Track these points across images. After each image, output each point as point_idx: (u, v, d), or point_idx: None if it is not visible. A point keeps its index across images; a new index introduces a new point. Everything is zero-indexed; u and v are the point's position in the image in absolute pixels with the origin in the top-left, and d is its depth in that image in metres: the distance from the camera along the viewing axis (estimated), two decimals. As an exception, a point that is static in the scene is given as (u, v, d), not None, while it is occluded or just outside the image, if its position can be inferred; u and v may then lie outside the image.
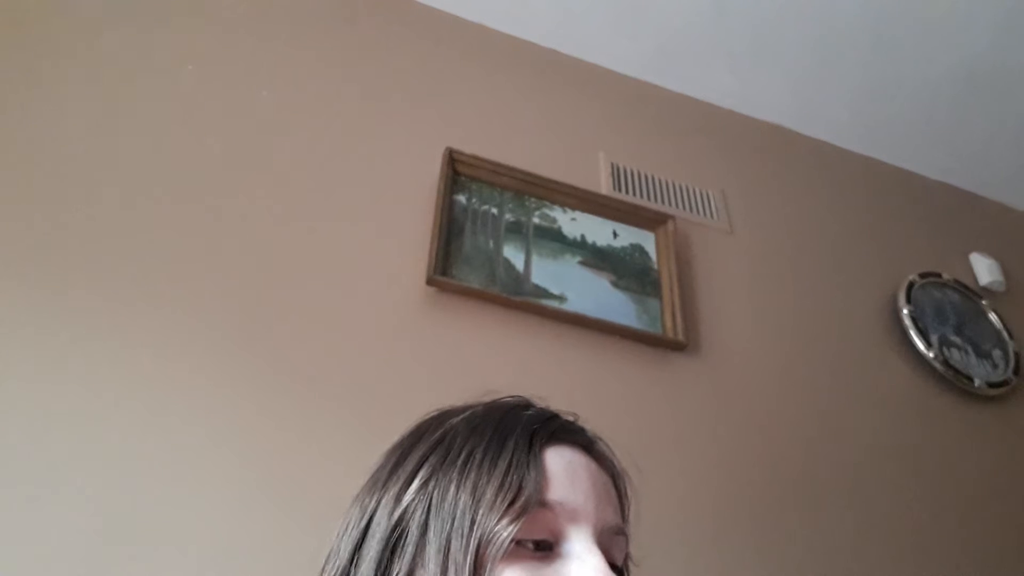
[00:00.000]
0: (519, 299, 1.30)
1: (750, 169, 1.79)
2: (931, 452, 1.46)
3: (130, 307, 1.09)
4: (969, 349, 1.64)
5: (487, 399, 0.61)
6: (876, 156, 1.99)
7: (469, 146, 1.44)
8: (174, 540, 0.93)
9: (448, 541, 0.48)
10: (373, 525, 0.53)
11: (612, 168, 1.61)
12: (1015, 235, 2.02)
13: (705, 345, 1.42)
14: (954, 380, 1.57)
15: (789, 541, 1.25)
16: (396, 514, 0.52)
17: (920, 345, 1.58)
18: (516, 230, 1.42)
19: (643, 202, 1.57)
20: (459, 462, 0.53)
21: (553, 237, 1.44)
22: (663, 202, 1.60)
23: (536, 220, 1.45)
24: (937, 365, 1.57)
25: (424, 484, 0.53)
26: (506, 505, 0.49)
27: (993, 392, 1.58)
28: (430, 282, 1.24)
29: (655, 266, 1.49)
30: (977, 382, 1.58)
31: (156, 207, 1.19)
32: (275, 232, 1.24)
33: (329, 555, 0.56)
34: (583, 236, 1.47)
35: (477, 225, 1.39)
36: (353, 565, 0.53)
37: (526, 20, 1.74)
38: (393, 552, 0.51)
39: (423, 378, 1.17)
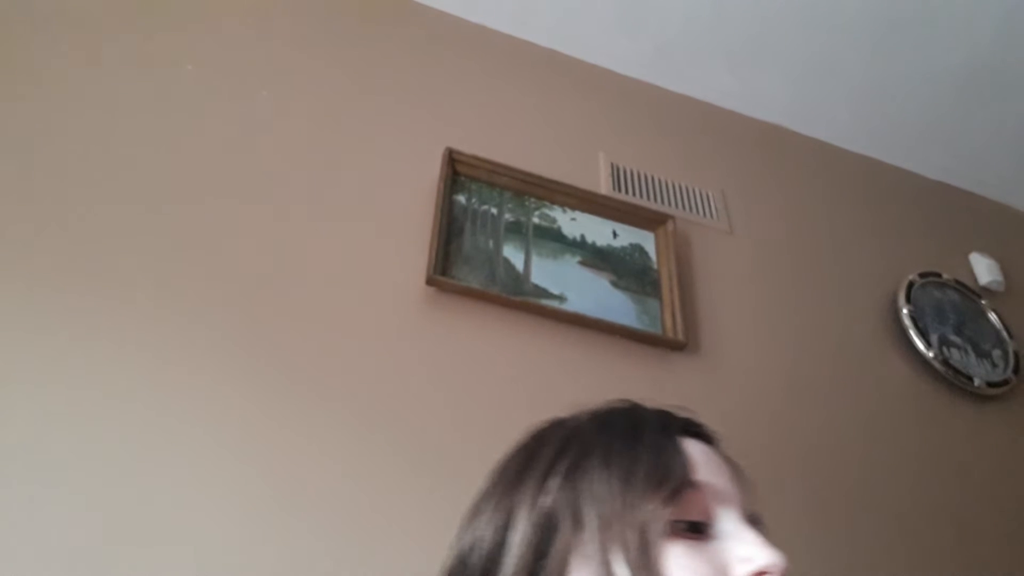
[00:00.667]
0: (519, 299, 1.30)
1: (750, 169, 1.79)
2: (931, 451, 1.46)
3: (130, 306, 1.09)
4: (969, 349, 1.65)
5: (595, 406, 0.61)
6: (876, 156, 1.99)
7: (469, 146, 1.44)
8: (174, 540, 0.93)
9: (607, 524, 0.48)
10: (514, 522, 0.52)
11: (612, 168, 1.61)
12: (1015, 235, 2.02)
13: (705, 345, 1.42)
14: (954, 380, 1.57)
15: (789, 541, 1.24)
16: (543, 505, 0.51)
17: (920, 345, 1.59)
18: (516, 230, 1.42)
19: (643, 202, 1.57)
20: (599, 451, 0.53)
21: (553, 237, 1.44)
22: (663, 202, 1.61)
23: (536, 220, 1.45)
24: (937, 365, 1.57)
25: (568, 475, 0.52)
26: (658, 487, 0.49)
27: (993, 392, 1.59)
28: (430, 282, 1.25)
29: (655, 266, 1.49)
30: (977, 382, 1.58)
31: (155, 207, 1.19)
32: (275, 232, 1.24)
33: (459, 557, 0.55)
34: (583, 236, 1.47)
35: (477, 225, 1.39)
36: (499, 558, 0.52)
37: (526, 20, 1.75)
38: (544, 542, 0.50)
39: (423, 378, 1.18)
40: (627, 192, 1.58)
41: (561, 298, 1.35)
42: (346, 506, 1.03)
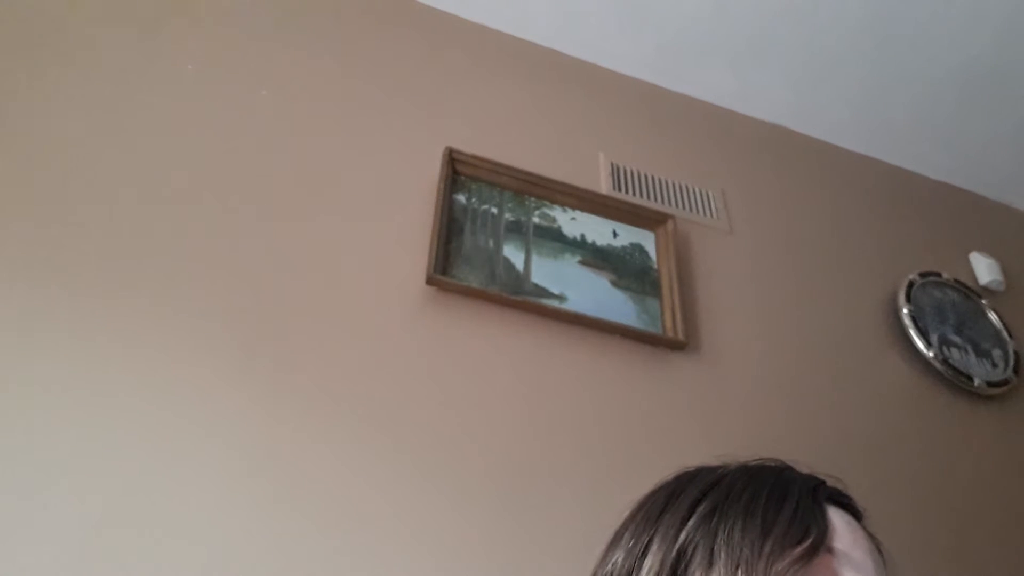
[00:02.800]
0: (519, 298, 1.30)
1: (750, 169, 1.79)
2: (931, 451, 1.46)
3: (130, 306, 1.09)
4: (969, 348, 1.65)
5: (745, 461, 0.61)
6: (876, 156, 1.99)
7: (469, 146, 1.44)
8: (175, 539, 0.93)
9: (736, 568, 0.49)
10: (651, 551, 0.53)
11: (612, 168, 1.61)
12: (1015, 235, 2.02)
13: (705, 345, 1.42)
14: (954, 379, 1.57)
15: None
16: (680, 539, 0.52)
17: (920, 344, 1.59)
18: (516, 230, 1.42)
19: (643, 202, 1.57)
20: (744, 499, 0.54)
21: (553, 237, 1.44)
22: (663, 202, 1.61)
23: (536, 220, 1.45)
24: (937, 364, 1.57)
25: (708, 516, 0.53)
26: (796, 543, 0.49)
27: (993, 391, 1.58)
28: (430, 281, 1.25)
29: (655, 266, 1.49)
30: (977, 381, 1.58)
31: (155, 207, 1.20)
32: (275, 232, 1.24)
33: None
34: (583, 236, 1.47)
35: (477, 225, 1.39)
36: None
37: (527, 20, 1.75)
38: (674, 574, 0.51)
39: (423, 378, 1.18)
40: (627, 192, 1.58)
41: (561, 298, 1.35)
42: (346, 504, 1.03)
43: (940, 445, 1.49)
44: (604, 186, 1.57)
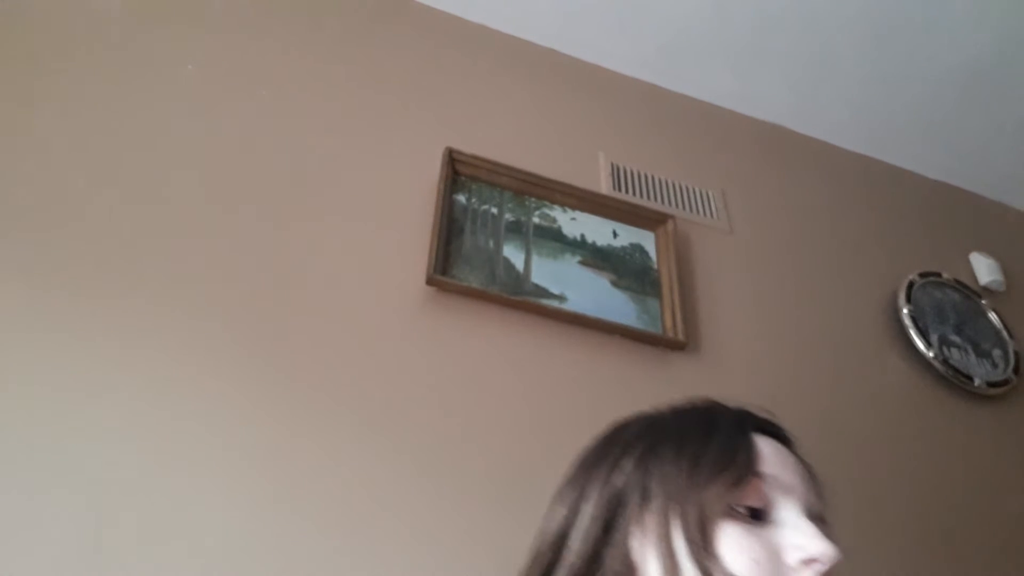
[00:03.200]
0: (519, 299, 1.30)
1: (750, 169, 1.79)
2: (931, 451, 1.46)
3: (129, 306, 1.09)
4: (969, 348, 1.65)
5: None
6: (876, 156, 1.99)
7: (469, 146, 1.44)
8: (175, 539, 0.93)
9: (670, 502, 0.51)
10: (586, 498, 0.56)
11: (612, 168, 1.61)
12: (1015, 235, 2.02)
13: (705, 345, 1.42)
14: (954, 380, 1.57)
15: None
16: (614, 483, 0.55)
17: (920, 345, 1.59)
18: (516, 230, 1.42)
19: (643, 202, 1.57)
20: (673, 438, 0.56)
21: (553, 237, 1.44)
22: (663, 202, 1.61)
23: (536, 220, 1.45)
24: (937, 365, 1.57)
25: (642, 457, 0.56)
26: (724, 470, 0.52)
27: (993, 391, 1.58)
28: (430, 282, 1.25)
29: (655, 266, 1.49)
30: (977, 381, 1.58)
31: (154, 207, 1.20)
32: (275, 232, 1.24)
33: (539, 533, 0.59)
34: (583, 236, 1.47)
35: (477, 225, 1.39)
36: (569, 531, 0.56)
37: (526, 20, 1.75)
38: (613, 516, 0.54)
39: (423, 377, 1.18)
40: (627, 192, 1.58)
41: (561, 298, 1.35)
42: (346, 504, 1.03)
43: (940, 445, 1.48)
44: (604, 186, 1.57)
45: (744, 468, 0.53)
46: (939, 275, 1.74)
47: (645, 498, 0.53)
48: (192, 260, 1.16)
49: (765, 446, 0.57)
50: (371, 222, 1.32)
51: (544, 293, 1.34)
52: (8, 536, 0.88)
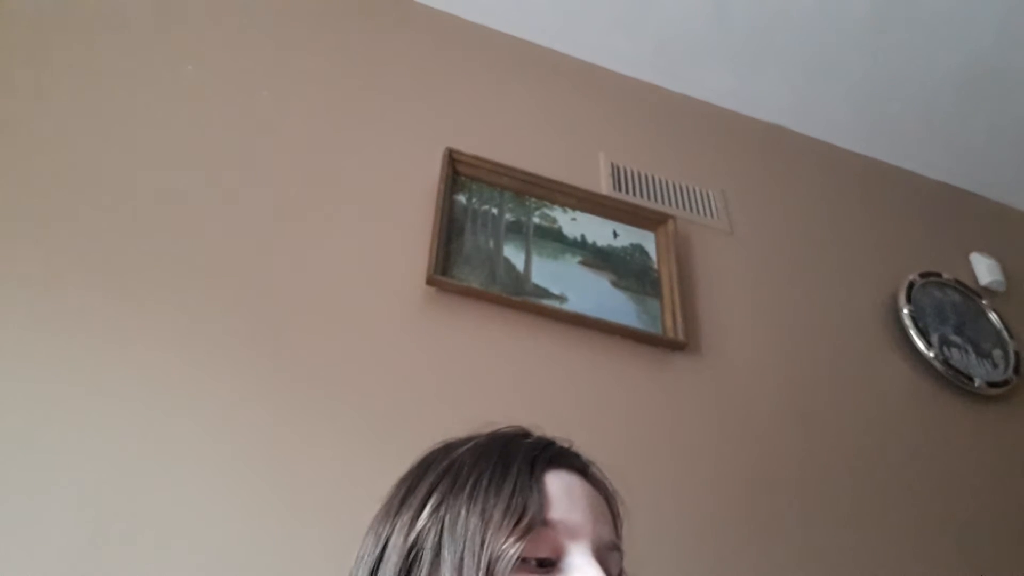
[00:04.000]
0: (519, 299, 1.30)
1: (750, 169, 1.79)
2: (931, 452, 1.46)
3: (129, 307, 1.09)
4: (969, 349, 1.64)
5: (487, 430, 0.65)
6: (876, 156, 1.99)
7: (469, 146, 1.44)
8: (176, 540, 0.93)
9: (461, 560, 0.53)
10: (388, 549, 0.58)
11: (612, 168, 1.61)
12: (1015, 235, 2.02)
13: (705, 345, 1.42)
14: (954, 380, 1.57)
15: (788, 540, 1.25)
16: (411, 538, 0.57)
17: (920, 345, 1.58)
18: (516, 230, 1.42)
19: (643, 202, 1.57)
20: (467, 488, 0.57)
21: (553, 237, 1.44)
22: (663, 202, 1.60)
23: (536, 220, 1.45)
24: (937, 365, 1.57)
25: (436, 509, 0.57)
26: (512, 525, 0.53)
27: (993, 392, 1.58)
28: (430, 282, 1.24)
29: (655, 266, 1.49)
30: (977, 382, 1.58)
31: (154, 207, 1.19)
32: (275, 232, 1.24)
33: (357, 561, 0.61)
34: (583, 236, 1.47)
35: (477, 225, 1.39)
36: (378, 569, 0.57)
37: (526, 20, 1.75)
38: (410, 566, 0.55)
39: (423, 377, 1.18)
40: (627, 192, 1.58)
41: (561, 298, 1.35)
42: (346, 504, 1.02)
43: (940, 445, 1.48)
44: (604, 186, 1.57)
45: (533, 517, 0.54)
46: (939, 275, 1.74)
47: (438, 554, 0.54)
48: (192, 260, 1.16)
49: (556, 486, 0.58)
50: (371, 222, 1.32)
51: (544, 293, 1.34)
52: (9, 536, 0.88)
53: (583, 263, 1.43)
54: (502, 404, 1.19)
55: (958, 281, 1.76)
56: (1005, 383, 1.61)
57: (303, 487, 1.02)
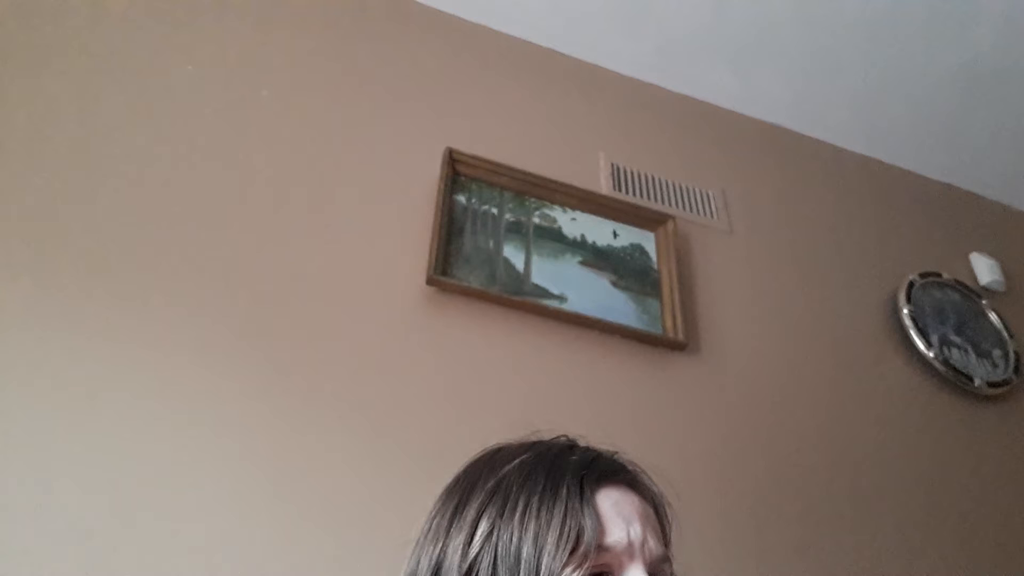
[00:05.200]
0: (519, 299, 1.30)
1: (750, 169, 1.79)
2: (931, 451, 1.46)
3: (131, 306, 1.09)
4: (969, 349, 1.64)
5: (533, 438, 0.65)
6: (876, 156, 1.99)
7: (469, 146, 1.44)
8: (175, 539, 0.93)
9: None
10: (450, 557, 0.58)
11: (612, 168, 1.61)
12: (1015, 235, 2.02)
13: (705, 345, 1.42)
14: (954, 380, 1.57)
15: (788, 540, 1.25)
16: (464, 566, 0.57)
17: (920, 345, 1.59)
18: (516, 230, 1.42)
19: (643, 202, 1.57)
20: (518, 512, 0.57)
21: (553, 237, 1.44)
22: (663, 202, 1.61)
23: (536, 220, 1.45)
24: (937, 365, 1.57)
25: (488, 536, 0.57)
26: (568, 553, 0.54)
27: (993, 391, 1.58)
28: (430, 282, 1.25)
29: (655, 266, 1.49)
30: (977, 381, 1.58)
31: (155, 206, 1.19)
32: (275, 232, 1.24)
33: None
34: (583, 236, 1.47)
35: (477, 225, 1.39)
36: None
37: (526, 20, 1.74)
38: None
39: (423, 377, 1.18)
40: (627, 192, 1.58)
41: (561, 298, 1.35)
42: (347, 504, 1.03)
43: (940, 445, 1.48)
44: (604, 186, 1.57)
45: (588, 543, 0.55)
46: (939, 275, 1.74)
47: None
48: (192, 260, 1.16)
49: (608, 506, 0.58)
50: (371, 222, 1.32)
51: (544, 293, 1.34)
52: (10, 538, 0.88)
53: (583, 263, 1.43)
54: (502, 404, 1.19)
55: (958, 281, 1.76)
56: (1005, 383, 1.61)
57: (302, 486, 1.02)
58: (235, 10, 1.51)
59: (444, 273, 1.28)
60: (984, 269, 1.82)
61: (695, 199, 1.65)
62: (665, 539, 0.63)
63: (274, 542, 0.97)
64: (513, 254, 1.38)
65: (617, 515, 0.58)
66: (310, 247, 1.25)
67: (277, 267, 1.21)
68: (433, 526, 0.63)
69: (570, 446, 0.65)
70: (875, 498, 1.36)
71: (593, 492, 0.59)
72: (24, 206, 1.13)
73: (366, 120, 1.45)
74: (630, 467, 0.65)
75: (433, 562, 0.59)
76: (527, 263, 1.38)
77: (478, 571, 0.56)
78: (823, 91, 1.85)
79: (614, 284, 1.42)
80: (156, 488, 0.96)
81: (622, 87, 1.82)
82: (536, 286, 1.35)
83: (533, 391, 1.23)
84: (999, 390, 1.59)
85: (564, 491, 0.58)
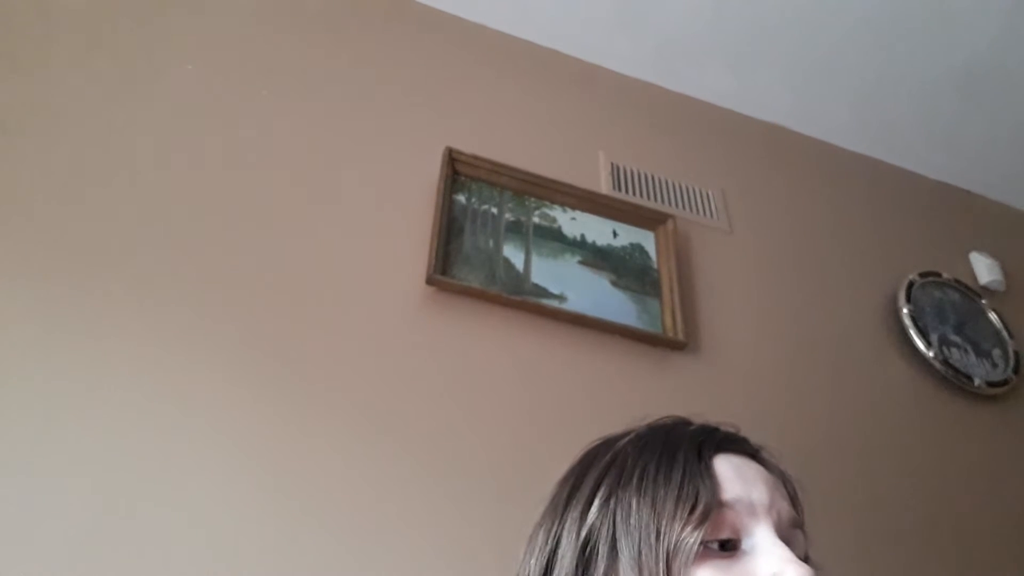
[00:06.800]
0: (519, 299, 1.30)
1: (750, 169, 1.79)
2: (931, 451, 1.47)
3: (132, 306, 1.09)
4: (969, 348, 1.65)
5: (645, 423, 0.64)
6: (876, 156, 1.99)
7: (469, 146, 1.44)
8: (175, 540, 0.93)
9: (639, 553, 0.51)
10: (562, 547, 0.56)
11: (612, 168, 1.61)
12: (1015, 235, 2.02)
13: (705, 345, 1.42)
14: (954, 379, 1.57)
15: (789, 540, 1.25)
16: (583, 533, 0.55)
17: (920, 345, 1.59)
18: (516, 230, 1.42)
19: (643, 201, 1.57)
20: (635, 478, 0.56)
21: (553, 237, 1.44)
22: (663, 202, 1.61)
23: (536, 220, 1.45)
24: (937, 364, 1.57)
25: (605, 502, 0.56)
26: (687, 513, 0.52)
27: (993, 391, 1.59)
28: (430, 282, 1.25)
29: (655, 265, 1.49)
30: (977, 381, 1.58)
31: (155, 206, 1.20)
32: (275, 232, 1.24)
33: (524, 564, 0.60)
34: (583, 236, 1.47)
35: (477, 225, 1.39)
36: (554, 566, 0.56)
37: (526, 20, 1.75)
38: (586, 569, 0.54)
39: (423, 377, 1.18)
40: (627, 192, 1.58)
41: (561, 298, 1.35)
42: (347, 504, 1.03)
43: (940, 445, 1.48)
44: (604, 186, 1.57)
45: (708, 502, 0.52)
46: (939, 275, 1.74)
47: (614, 550, 0.53)
48: (192, 260, 1.16)
49: (727, 468, 0.56)
50: (371, 222, 1.32)
51: (544, 293, 1.34)
52: (9, 535, 0.88)
53: (583, 263, 1.43)
54: (502, 403, 1.20)
55: (958, 281, 1.76)
56: (1004, 383, 1.61)
57: (304, 485, 1.02)
58: (235, 10, 1.51)
59: (444, 273, 1.28)
60: (984, 269, 1.82)
61: (695, 199, 1.65)
62: (796, 510, 0.59)
63: (274, 542, 0.97)
64: (513, 254, 1.38)
65: (738, 476, 0.56)
66: (309, 246, 1.25)
67: (276, 266, 1.21)
68: (551, 507, 0.61)
69: (686, 421, 0.64)
70: (873, 497, 1.36)
71: (711, 457, 0.57)
72: (24, 206, 1.13)
73: (366, 120, 1.46)
74: (751, 441, 0.63)
75: (552, 538, 0.58)
76: (527, 263, 1.38)
77: (597, 539, 0.54)
78: (823, 91, 1.85)
79: (614, 284, 1.42)
80: (155, 487, 0.96)
81: (622, 87, 1.82)
82: (536, 286, 1.35)
83: (533, 391, 1.23)
84: (999, 390, 1.59)
85: (681, 456, 0.56)
